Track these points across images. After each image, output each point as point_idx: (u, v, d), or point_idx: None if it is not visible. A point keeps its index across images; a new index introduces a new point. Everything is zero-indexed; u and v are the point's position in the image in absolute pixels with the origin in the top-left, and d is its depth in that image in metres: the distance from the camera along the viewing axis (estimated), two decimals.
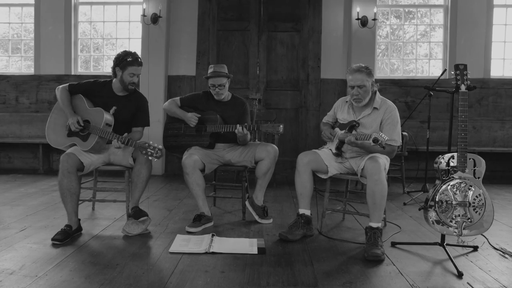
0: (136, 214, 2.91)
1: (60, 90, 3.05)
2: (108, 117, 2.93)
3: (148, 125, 3.19)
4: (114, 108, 3.00)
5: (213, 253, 2.51)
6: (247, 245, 2.66)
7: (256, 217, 3.25)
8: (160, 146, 2.78)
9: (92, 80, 3.13)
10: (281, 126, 2.92)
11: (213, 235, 2.80)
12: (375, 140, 2.50)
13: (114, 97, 3.06)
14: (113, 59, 3.03)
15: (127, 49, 3.09)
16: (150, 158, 2.77)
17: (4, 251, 2.51)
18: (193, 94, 3.48)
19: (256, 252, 2.54)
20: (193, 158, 3.08)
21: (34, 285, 2.03)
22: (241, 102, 3.38)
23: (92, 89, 3.08)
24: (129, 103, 3.08)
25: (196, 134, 3.25)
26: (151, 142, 2.79)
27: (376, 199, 2.61)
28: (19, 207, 3.65)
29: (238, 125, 3.04)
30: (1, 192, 4.32)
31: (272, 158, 3.19)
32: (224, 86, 3.25)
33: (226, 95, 3.33)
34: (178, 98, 3.41)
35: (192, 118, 3.22)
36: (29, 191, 4.40)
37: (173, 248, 2.58)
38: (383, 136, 2.50)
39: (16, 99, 6.09)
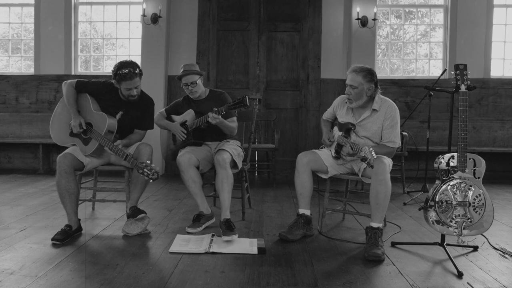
0: (134, 212, 2.91)
1: (67, 86, 2.96)
2: (110, 123, 2.87)
3: (152, 128, 3.15)
4: (120, 113, 2.95)
5: (213, 253, 2.51)
6: (247, 245, 2.66)
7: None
8: (158, 168, 2.71)
9: (102, 81, 3.03)
10: (245, 97, 2.84)
11: (213, 235, 2.79)
12: (364, 159, 2.49)
13: (120, 102, 2.99)
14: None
15: (124, 59, 2.93)
16: (146, 178, 2.73)
17: (4, 251, 2.51)
18: (175, 101, 3.46)
19: (256, 252, 2.54)
20: (187, 156, 3.05)
21: (34, 285, 2.03)
22: (219, 93, 3.31)
23: (100, 91, 2.99)
24: (135, 107, 3.02)
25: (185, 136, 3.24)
26: (148, 162, 2.72)
27: (380, 199, 2.60)
28: (19, 207, 3.65)
29: (209, 113, 2.97)
30: (1, 192, 4.31)
31: (222, 167, 2.93)
32: (196, 83, 3.17)
33: (202, 92, 3.26)
34: (163, 109, 3.42)
35: (178, 131, 3.19)
36: (29, 191, 4.40)
37: (173, 248, 2.58)
38: (373, 153, 2.47)
39: (16, 99, 6.10)
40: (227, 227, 2.80)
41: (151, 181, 2.71)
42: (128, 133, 3.05)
